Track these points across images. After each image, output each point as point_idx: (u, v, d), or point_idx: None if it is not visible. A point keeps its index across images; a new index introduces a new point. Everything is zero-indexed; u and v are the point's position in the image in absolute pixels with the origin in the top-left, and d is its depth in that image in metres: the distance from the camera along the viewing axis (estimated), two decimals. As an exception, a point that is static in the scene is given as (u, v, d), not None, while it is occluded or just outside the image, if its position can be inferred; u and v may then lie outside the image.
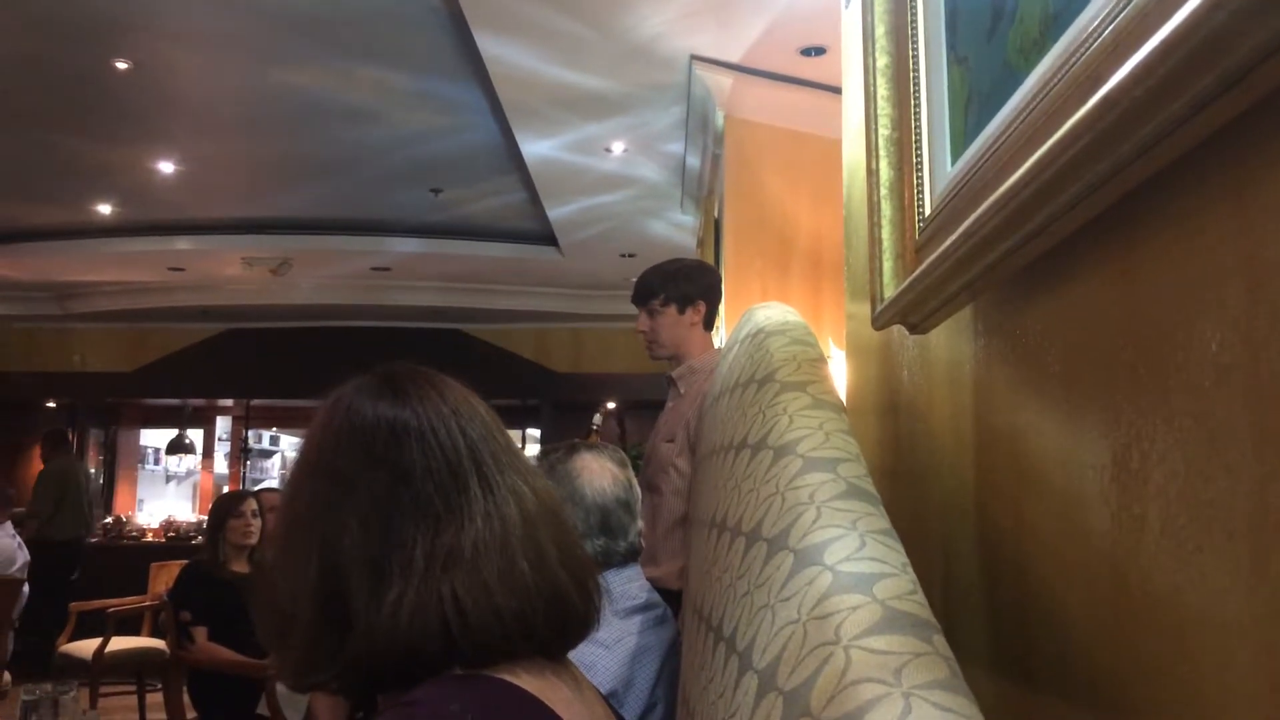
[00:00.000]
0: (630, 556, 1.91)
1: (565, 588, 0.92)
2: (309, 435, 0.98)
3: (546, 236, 7.42)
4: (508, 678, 0.86)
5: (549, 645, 0.92)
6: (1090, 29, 0.65)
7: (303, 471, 0.96)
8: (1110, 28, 0.61)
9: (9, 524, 5.10)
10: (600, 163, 5.63)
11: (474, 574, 0.87)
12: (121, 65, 4.75)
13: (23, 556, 5.03)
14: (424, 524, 0.89)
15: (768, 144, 4.39)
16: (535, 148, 5.39)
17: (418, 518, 0.89)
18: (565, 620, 0.93)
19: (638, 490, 1.97)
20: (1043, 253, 0.80)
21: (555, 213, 6.59)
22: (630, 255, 7.53)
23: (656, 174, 5.85)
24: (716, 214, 4.97)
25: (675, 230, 6.83)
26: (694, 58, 4.28)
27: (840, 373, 2.15)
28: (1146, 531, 0.68)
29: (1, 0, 4.17)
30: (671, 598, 2.07)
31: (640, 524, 1.98)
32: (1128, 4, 0.59)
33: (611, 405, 8.85)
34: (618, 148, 5.40)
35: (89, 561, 8.19)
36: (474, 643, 0.85)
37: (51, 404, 9.38)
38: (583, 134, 5.19)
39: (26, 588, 5.02)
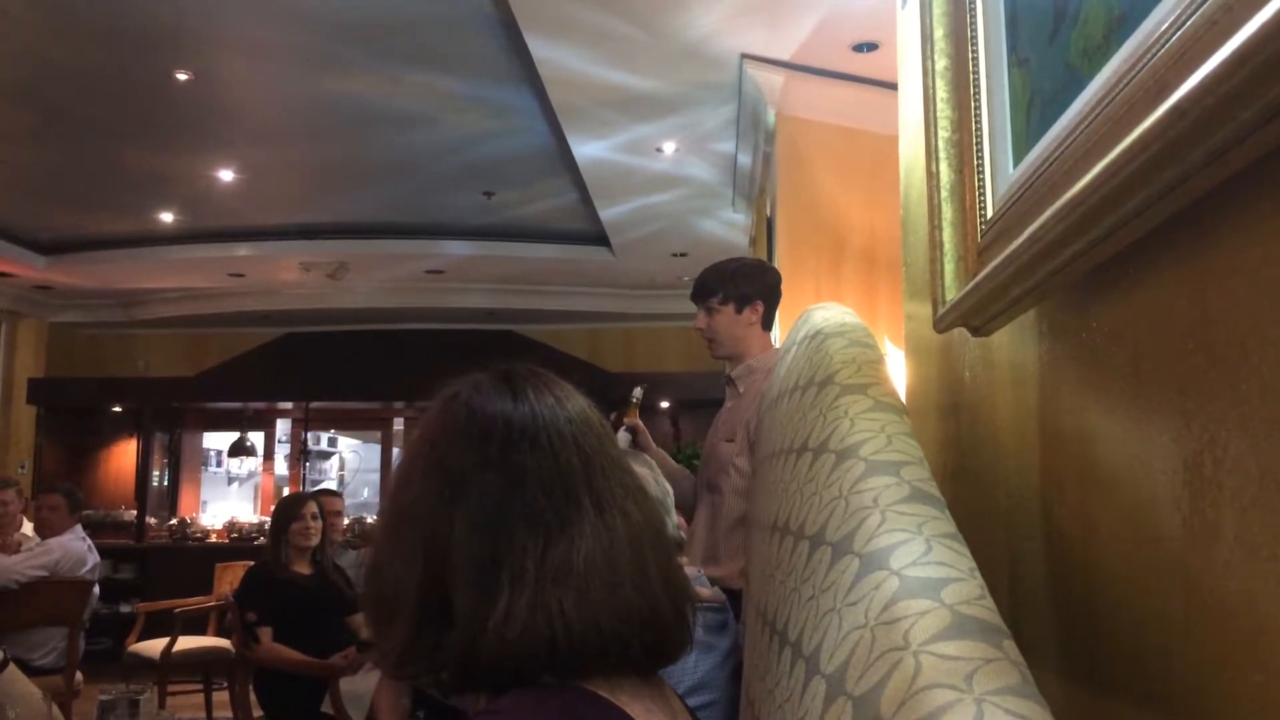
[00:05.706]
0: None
1: (664, 611, 0.92)
2: (422, 429, 0.98)
3: (598, 237, 7.44)
4: (604, 694, 0.86)
5: (641, 664, 0.91)
6: (1156, 35, 0.65)
7: (414, 465, 0.95)
8: (1177, 35, 0.61)
9: (79, 527, 5.20)
10: (651, 163, 5.63)
11: (583, 592, 0.86)
12: (182, 76, 4.84)
13: (93, 559, 5.14)
14: (535, 533, 0.88)
15: (820, 141, 4.36)
16: (586, 149, 5.41)
17: (528, 525, 0.88)
18: (661, 642, 0.92)
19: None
20: (1110, 256, 0.80)
21: (607, 213, 6.60)
22: (682, 254, 7.53)
23: (708, 173, 5.84)
24: (769, 212, 4.95)
25: (727, 229, 6.82)
26: (745, 56, 4.27)
27: (898, 371, 2.14)
28: (1220, 537, 0.67)
29: (65, 15, 4.27)
30: (733, 597, 2.08)
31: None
32: (1195, 11, 0.59)
33: (666, 404, 8.83)
34: (669, 148, 5.40)
35: (156, 562, 8.39)
36: (574, 658, 0.85)
37: (117, 409, 9.56)
38: (634, 134, 5.20)
39: (97, 589, 5.13)
